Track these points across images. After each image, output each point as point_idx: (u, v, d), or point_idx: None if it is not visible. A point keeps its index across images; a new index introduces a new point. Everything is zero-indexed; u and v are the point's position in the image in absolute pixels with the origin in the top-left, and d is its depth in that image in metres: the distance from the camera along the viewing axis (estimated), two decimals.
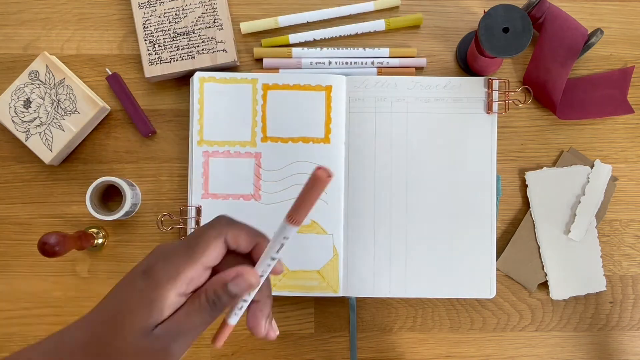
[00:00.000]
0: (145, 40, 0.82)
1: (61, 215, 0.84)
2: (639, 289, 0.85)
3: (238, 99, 0.82)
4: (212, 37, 0.82)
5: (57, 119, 0.81)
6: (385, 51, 0.84)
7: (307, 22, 0.85)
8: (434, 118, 0.83)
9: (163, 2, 0.82)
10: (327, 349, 0.84)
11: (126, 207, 0.79)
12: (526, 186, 0.84)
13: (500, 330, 0.85)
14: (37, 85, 0.81)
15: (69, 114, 0.81)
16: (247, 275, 0.49)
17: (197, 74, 0.82)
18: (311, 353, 0.84)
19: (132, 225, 0.84)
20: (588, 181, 0.84)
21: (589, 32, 0.82)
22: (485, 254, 0.82)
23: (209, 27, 0.82)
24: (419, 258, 0.82)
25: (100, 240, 0.83)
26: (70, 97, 0.81)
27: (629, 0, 0.86)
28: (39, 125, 0.81)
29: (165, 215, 0.83)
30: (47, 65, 0.81)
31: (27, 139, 0.81)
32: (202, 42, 0.82)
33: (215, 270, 0.51)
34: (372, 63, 0.84)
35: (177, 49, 0.82)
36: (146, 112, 0.85)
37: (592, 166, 0.84)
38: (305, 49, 0.84)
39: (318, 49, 0.84)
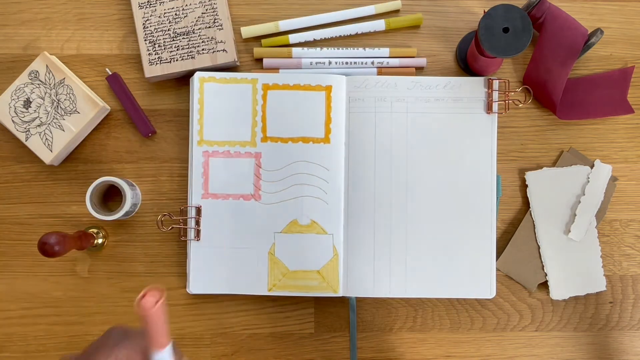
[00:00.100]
0: (145, 40, 0.82)
1: (61, 215, 0.84)
2: (639, 289, 0.85)
3: (238, 99, 0.82)
4: (212, 37, 0.82)
5: (57, 119, 0.81)
6: (385, 51, 0.84)
7: (308, 26, 0.85)
8: (434, 118, 0.83)
9: (163, 2, 0.82)
10: (327, 349, 0.84)
11: (126, 207, 0.79)
12: (526, 186, 0.84)
13: (500, 330, 0.85)
14: (37, 85, 0.81)
15: (69, 114, 0.81)
16: None
17: (197, 74, 0.82)
18: (311, 353, 0.84)
19: (132, 225, 0.84)
20: (588, 181, 0.84)
21: (589, 32, 0.82)
22: (485, 254, 0.82)
23: (209, 27, 0.82)
24: (419, 258, 0.82)
25: (100, 240, 0.83)
26: (70, 97, 0.81)
27: (629, 0, 0.86)
28: (39, 125, 0.81)
29: (165, 215, 0.83)
30: (47, 65, 0.81)
31: (27, 139, 0.81)
32: (202, 42, 0.82)
33: None
34: (372, 63, 0.84)
35: (177, 49, 0.82)
36: (146, 112, 0.85)
37: (592, 166, 0.84)
38: (305, 49, 0.84)
39: (318, 49, 0.84)
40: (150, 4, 0.82)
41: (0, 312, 0.83)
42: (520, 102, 0.85)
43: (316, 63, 0.84)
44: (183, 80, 0.85)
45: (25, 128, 0.81)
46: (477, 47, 0.77)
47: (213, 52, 0.82)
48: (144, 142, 0.85)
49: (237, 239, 0.82)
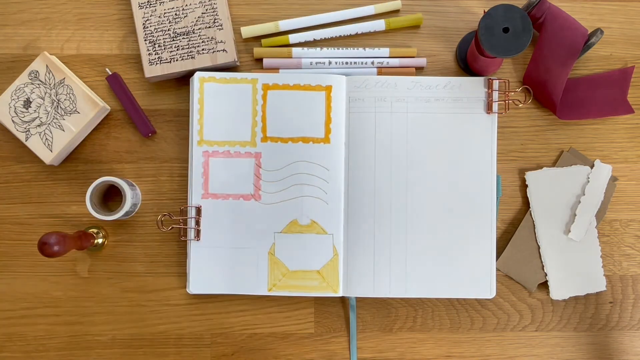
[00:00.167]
0: (145, 40, 0.82)
1: (61, 215, 0.84)
2: (639, 289, 0.85)
3: (238, 99, 0.82)
4: (212, 37, 0.82)
5: (57, 119, 0.81)
6: (385, 51, 0.84)
7: (308, 26, 0.85)
8: (434, 118, 0.83)
9: (163, 2, 0.82)
10: (327, 349, 0.84)
11: (126, 207, 0.79)
12: (526, 186, 0.84)
13: (500, 330, 0.85)
14: (37, 85, 0.81)
15: (69, 114, 0.81)
16: None
17: (197, 74, 0.82)
18: (311, 353, 0.84)
19: (132, 225, 0.84)
20: (588, 181, 0.84)
21: (589, 32, 0.82)
22: (485, 254, 0.82)
23: (209, 27, 0.82)
24: (419, 258, 0.82)
25: (100, 240, 0.83)
26: (70, 97, 0.81)
27: (629, 0, 0.86)
28: (39, 125, 0.81)
29: (165, 215, 0.83)
30: (47, 65, 0.81)
31: (27, 139, 0.81)
32: (202, 42, 0.82)
33: None
34: (372, 63, 0.84)
35: (177, 49, 0.82)
36: (146, 112, 0.85)
37: (592, 166, 0.84)
38: (305, 49, 0.84)
39: (318, 49, 0.84)
40: (150, 4, 0.82)
41: (0, 312, 0.83)
42: (520, 102, 0.85)
43: (316, 63, 0.84)
44: (183, 80, 0.85)
45: (25, 128, 0.81)
46: (477, 47, 0.77)
47: (213, 52, 0.82)
48: (144, 142, 0.85)
49: (237, 239, 0.82)
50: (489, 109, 0.83)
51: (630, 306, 0.85)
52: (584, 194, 0.83)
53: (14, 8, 0.85)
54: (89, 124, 0.82)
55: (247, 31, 0.84)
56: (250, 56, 0.85)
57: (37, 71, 0.81)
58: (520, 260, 0.84)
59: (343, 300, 0.85)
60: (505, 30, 0.74)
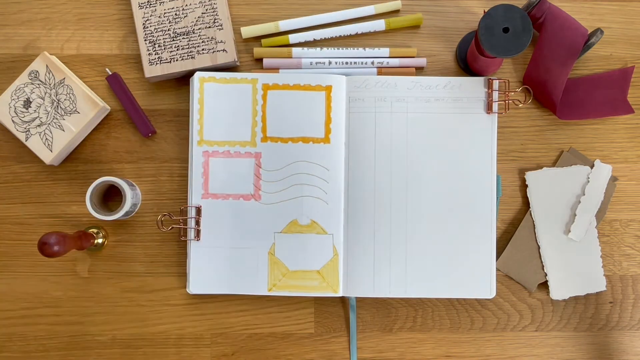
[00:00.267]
0: (145, 40, 0.82)
1: (61, 215, 0.84)
2: (639, 289, 0.85)
3: (238, 99, 0.82)
4: (212, 37, 0.82)
5: (57, 119, 0.81)
6: (385, 51, 0.84)
7: (308, 26, 0.85)
8: (434, 118, 0.83)
9: (163, 2, 0.82)
10: (327, 349, 0.84)
11: (126, 207, 0.79)
12: (526, 186, 0.84)
13: (500, 330, 0.85)
14: (37, 85, 0.81)
15: (69, 114, 0.81)
16: None
17: (197, 74, 0.82)
18: (311, 353, 0.84)
19: (132, 225, 0.84)
20: (588, 181, 0.84)
21: (589, 32, 0.82)
22: (485, 254, 0.82)
23: (209, 27, 0.82)
24: (419, 258, 0.82)
25: (100, 240, 0.83)
26: (70, 97, 0.81)
27: (629, 0, 0.86)
28: (39, 125, 0.81)
29: (165, 215, 0.83)
30: (47, 65, 0.81)
31: (27, 139, 0.81)
32: (202, 42, 0.82)
33: None
34: (372, 63, 0.84)
35: (177, 49, 0.82)
36: (146, 112, 0.85)
37: (592, 166, 0.84)
38: (305, 49, 0.84)
39: (318, 49, 0.84)
40: (150, 4, 0.82)
41: (0, 312, 0.83)
42: (520, 102, 0.85)
43: (316, 63, 0.84)
44: (183, 80, 0.85)
45: (25, 128, 0.81)
46: (477, 47, 0.77)
47: (213, 52, 0.82)
48: (144, 142, 0.85)
49: (237, 239, 0.82)
50: (489, 109, 0.83)
51: (630, 306, 0.85)
52: (584, 194, 0.83)
53: (14, 8, 0.85)
54: (89, 124, 0.82)
55: (247, 31, 0.84)
56: (250, 56, 0.85)
57: (37, 71, 0.81)
58: (520, 260, 0.84)
59: (343, 300, 0.85)
60: (505, 30, 0.74)
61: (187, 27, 0.82)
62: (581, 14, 0.86)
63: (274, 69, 0.84)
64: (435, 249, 0.82)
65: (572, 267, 0.83)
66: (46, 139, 0.81)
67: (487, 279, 0.82)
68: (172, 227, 0.82)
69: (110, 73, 0.84)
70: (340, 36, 0.85)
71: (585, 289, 0.84)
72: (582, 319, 0.85)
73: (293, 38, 0.85)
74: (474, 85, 0.83)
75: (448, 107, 0.83)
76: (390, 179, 0.83)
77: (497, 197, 0.83)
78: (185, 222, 0.82)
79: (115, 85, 0.84)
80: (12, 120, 0.81)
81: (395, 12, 0.86)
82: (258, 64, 0.86)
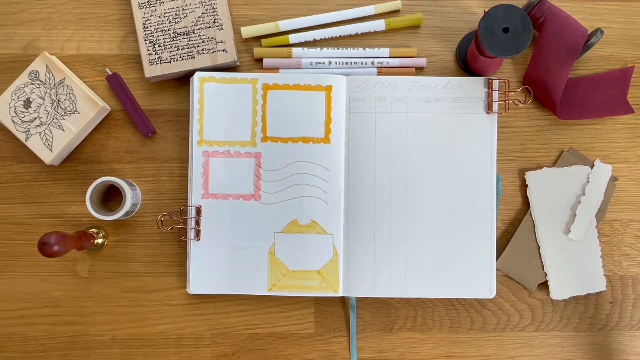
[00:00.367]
0: (145, 40, 0.82)
1: (61, 215, 0.84)
2: (639, 289, 0.85)
3: (238, 99, 0.82)
4: (212, 37, 0.82)
5: (57, 119, 0.81)
6: (385, 51, 0.84)
7: (308, 26, 0.85)
8: (434, 118, 0.83)
9: (163, 2, 0.82)
10: (327, 349, 0.84)
11: (126, 207, 0.79)
12: (526, 186, 0.84)
13: (500, 330, 0.85)
14: (37, 85, 0.81)
15: (69, 114, 0.81)
16: None
17: (197, 74, 0.82)
18: (311, 353, 0.84)
19: (132, 225, 0.84)
20: (588, 181, 0.84)
21: (589, 32, 0.82)
22: (485, 254, 0.82)
23: (209, 27, 0.82)
24: (419, 258, 0.82)
25: (100, 240, 0.83)
26: (70, 97, 0.81)
27: (629, 0, 0.86)
28: (39, 125, 0.81)
29: (165, 215, 0.83)
30: (47, 65, 0.81)
31: (27, 139, 0.81)
32: (202, 42, 0.82)
33: None
34: (372, 63, 0.84)
35: (177, 49, 0.82)
36: (146, 112, 0.85)
37: (592, 166, 0.84)
38: (305, 49, 0.84)
39: (318, 49, 0.84)
40: (150, 4, 0.82)
41: (0, 312, 0.83)
42: (520, 102, 0.85)
43: (316, 63, 0.84)
44: (183, 80, 0.85)
45: (25, 128, 0.81)
46: (477, 47, 0.77)
47: (213, 52, 0.82)
48: (144, 142, 0.85)
49: (237, 239, 0.82)
50: (489, 109, 0.83)
51: (630, 306, 0.85)
52: (584, 194, 0.83)
53: (14, 8, 0.85)
54: (89, 124, 0.82)
55: (247, 31, 0.84)
56: (250, 56, 0.85)
57: (37, 71, 0.81)
58: (520, 260, 0.84)
59: (343, 300, 0.85)
60: (505, 30, 0.74)
61: (187, 27, 0.82)
62: (581, 14, 0.86)
63: (274, 69, 0.84)
64: (435, 249, 0.82)
65: (572, 267, 0.83)
66: (46, 139, 0.81)
67: (487, 279, 0.82)
68: (172, 227, 0.82)
69: (110, 73, 0.84)
70: (340, 36, 0.85)
71: (585, 289, 0.84)
72: (582, 319, 0.85)
73: (293, 38, 0.85)
74: (474, 85, 0.83)
75: (448, 107, 0.83)
76: (390, 179, 0.83)
77: (497, 197, 0.83)
78: (185, 222, 0.82)
79: (115, 85, 0.84)
80: (12, 120, 0.81)
81: (395, 12, 0.86)
82: (258, 64, 0.86)
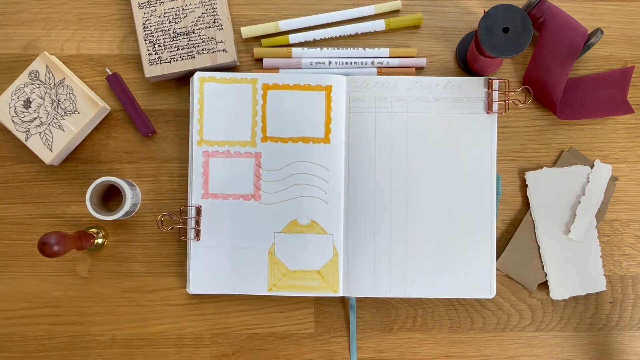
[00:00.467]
0: (145, 40, 0.82)
1: (61, 215, 0.84)
2: (639, 289, 0.85)
3: (238, 99, 0.82)
4: (212, 37, 0.82)
5: (57, 119, 0.81)
6: (385, 51, 0.84)
7: (308, 26, 0.85)
8: (434, 118, 0.83)
9: (163, 2, 0.82)
10: (327, 349, 0.84)
11: (126, 207, 0.79)
12: (526, 186, 0.84)
13: (500, 331, 0.85)
14: (37, 85, 0.81)
15: (69, 114, 0.81)
16: None
17: (197, 74, 0.82)
18: (311, 353, 0.84)
19: (132, 225, 0.84)
20: (588, 181, 0.84)
21: (589, 32, 0.82)
22: (485, 254, 0.82)
23: (209, 27, 0.82)
24: (419, 258, 0.82)
25: (100, 240, 0.83)
26: (70, 97, 0.81)
27: (629, 0, 0.86)
28: (39, 125, 0.81)
29: (165, 215, 0.83)
30: (47, 65, 0.81)
31: (27, 139, 0.81)
32: (202, 42, 0.82)
33: None
34: (372, 63, 0.84)
35: (177, 49, 0.82)
36: (146, 112, 0.85)
37: (592, 166, 0.84)
38: (305, 49, 0.84)
39: (318, 49, 0.84)
40: (150, 4, 0.82)
41: (0, 312, 0.83)
42: (520, 102, 0.85)
43: (316, 63, 0.84)
44: (183, 80, 0.85)
45: (25, 128, 0.81)
46: (477, 47, 0.77)
47: (213, 52, 0.82)
48: (144, 142, 0.85)
49: (237, 239, 0.82)
50: (489, 109, 0.83)
51: (630, 306, 0.85)
52: (584, 194, 0.83)
53: (14, 8, 0.85)
54: (89, 124, 0.82)
55: (247, 31, 0.84)
56: (250, 56, 0.85)
57: (37, 71, 0.81)
58: (520, 260, 0.84)
59: (343, 300, 0.85)
60: (505, 30, 0.74)
61: (187, 27, 0.82)
62: (581, 14, 0.86)
63: (274, 69, 0.84)
64: (435, 249, 0.82)
65: (572, 267, 0.83)
66: (46, 139, 0.81)
67: (487, 279, 0.82)
68: (172, 227, 0.82)
69: (110, 73, 0.84)
70: (340, 36, 0.85)
71: (585, 289, 0.84)
72: (582, 319, 0.85)
73: (293, 38, 0.85)
74: (474, 85, 0.83)
75: (448, 107, 0.83)
76: (390, 179, 0.83)
77: (497, 197, 0.83)
78: (185, 222, 0.82)
79: (115, 85, 0.84)
80: (12, 120, 0.81)
81: (395, 12, 0.86)
82: (258, 64, 0.86)
